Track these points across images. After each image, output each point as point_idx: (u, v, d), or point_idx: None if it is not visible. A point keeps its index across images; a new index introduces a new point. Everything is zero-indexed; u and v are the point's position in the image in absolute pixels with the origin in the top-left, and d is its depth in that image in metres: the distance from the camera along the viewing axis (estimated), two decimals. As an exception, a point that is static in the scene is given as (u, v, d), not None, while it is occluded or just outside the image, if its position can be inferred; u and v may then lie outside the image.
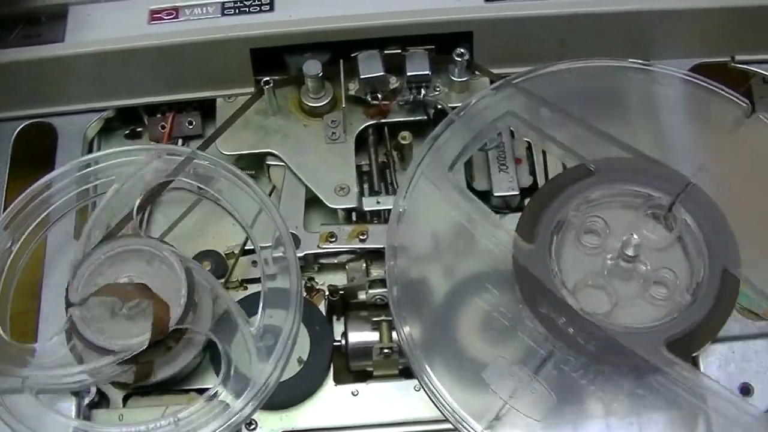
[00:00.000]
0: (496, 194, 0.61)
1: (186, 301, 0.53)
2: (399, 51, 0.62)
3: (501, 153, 0.62)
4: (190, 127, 0.65)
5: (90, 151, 0.65)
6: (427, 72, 0.61)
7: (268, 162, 0.62)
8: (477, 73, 0.63)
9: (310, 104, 0.62)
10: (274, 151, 0.62)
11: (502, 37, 0.62)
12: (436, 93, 0.63)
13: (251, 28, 0.61)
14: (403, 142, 0.62)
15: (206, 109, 0.65)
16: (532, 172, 0.63)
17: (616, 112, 0.62)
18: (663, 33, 0.63)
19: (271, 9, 0.61)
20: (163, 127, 0.65)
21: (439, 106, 0.62)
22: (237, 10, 0.62)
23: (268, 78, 0.61)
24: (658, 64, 0.62)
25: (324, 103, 0.62)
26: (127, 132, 0.67)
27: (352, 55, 0.62)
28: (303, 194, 0.61)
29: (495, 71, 0.63)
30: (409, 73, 0.61)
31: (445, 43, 0.62)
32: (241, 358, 0.53)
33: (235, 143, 0.62)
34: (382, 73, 0.61)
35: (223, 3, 0.62)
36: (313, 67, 0.60)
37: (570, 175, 0.58)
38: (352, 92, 0.62)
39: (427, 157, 0.58)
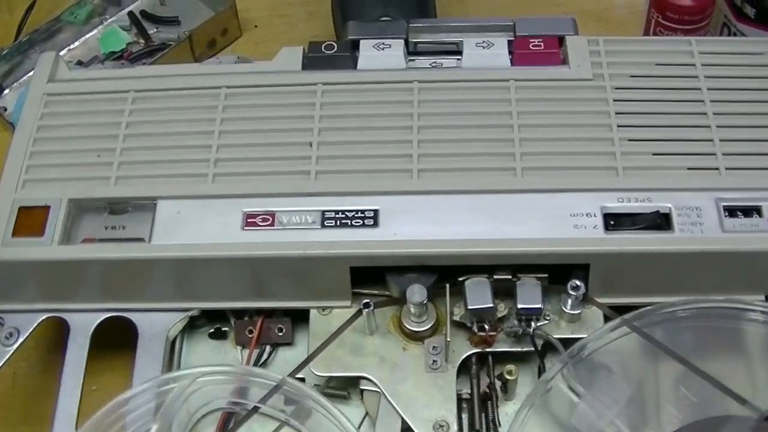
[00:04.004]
0: (604, 434, 0.56)
1: None
2: (509, 277, 0.58)
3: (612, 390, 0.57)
4: (280, 334, 0.61)
5: (172, 349, 0.61)
6: (539, 306, 0.57)
7: (362, 386, 0.58)
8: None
9: (411, 328, 0.58)
10: (369, 376, 0.57)
11: (620, 270, 0.57)
12: (546, 322, 0.58)
13: (353, 246, 0.57)
14: (509, 377, 0.57)
15: (298, 313, 0.61)
16: (643, 412, 0.58)
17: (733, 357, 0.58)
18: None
19: (375, 224, 0.57)
20: (251, 332, 0.61)
21: (550, 340, 0.57)
22: (338, 223, 0.57)
23: (368, 300, 0.57)
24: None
25: (426, 327, 0.58)
26: (212, 331, 0.63)
27: (460, 279, 0.57)
28: (398, 426, 0.56)
29: (608, 300, 0.59)
30: (520, 306, 0.57)
31: (559, 272, 0.57)
32: None
33: (328, 363, 0.58)
34: (491, 305, 0.56)
35: (324, 213, 0.58)
36: (418, 294, 0.56)
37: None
38: (456, 317, 0.58)
39: (537, 399, 0.54)
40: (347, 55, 0.64)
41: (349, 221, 0.58)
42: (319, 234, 0.57)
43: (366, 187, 0.58)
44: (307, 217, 0.58)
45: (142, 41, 0.82)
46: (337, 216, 0.58)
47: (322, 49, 0.65)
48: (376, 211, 0.58)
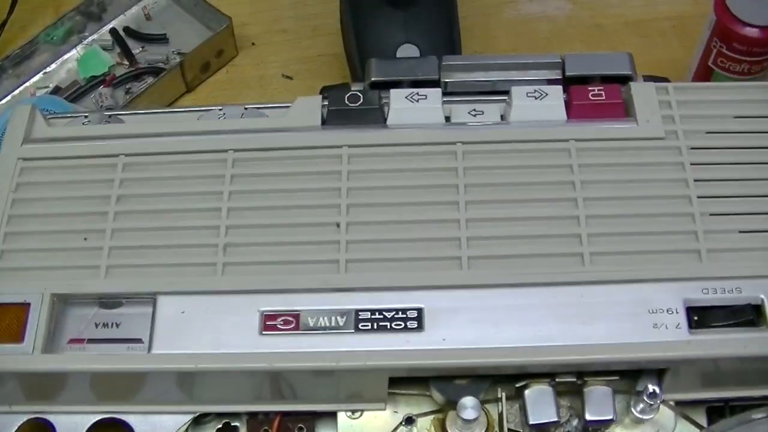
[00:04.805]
0: None
1: None
2: (574, 380, 0.49)
3: None
4: (300, 435, 0.53)
5: (177, 446, 0.52)
6: (611, 417, 0.49)
7: (401, 507, 0.50)
8: (662, 405, 0.51)
9: (457, 438, 0.50)
10: (409, 495, 0.49)
11: (701, 371, 0.49)
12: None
13: (395, 356, 0.48)
14: (575, 491, 0.49)
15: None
16: None
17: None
18: None
19: (420, 327, 0.48)
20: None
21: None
22: (375, 325, 0.48)
23: (411, 416, 0.49)
24: None
25: (476, 439, 0.50)
26: (220, 426, 0.54)
27: (517, 386, 0.49)
28: None
29: (680, 396, 0.51)
30: (589, 418, 0.49)
31: (630, 373, 0.49)
32: None
33: (360, 481, 0.49)
34: (556, 419, 0.48)
35: (357, 313, 0.49)
36: (471, 410, 0.48)
37: None
38: (511, 425, 0.50)
39: None
40: (376, 108, 0.55)
41: (388, 323, 0.49)
42: (352, 340, 0.48)
43: (407, 281, 0.49)
44: (338, 318, 0.49)
45: (126, 62, 0.71)
46: (373, 317, 0.49)
47: (345, 101, 0.55)
48: (419, 311, 0.49)
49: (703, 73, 0.64)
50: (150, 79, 0.69)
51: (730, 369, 0.50)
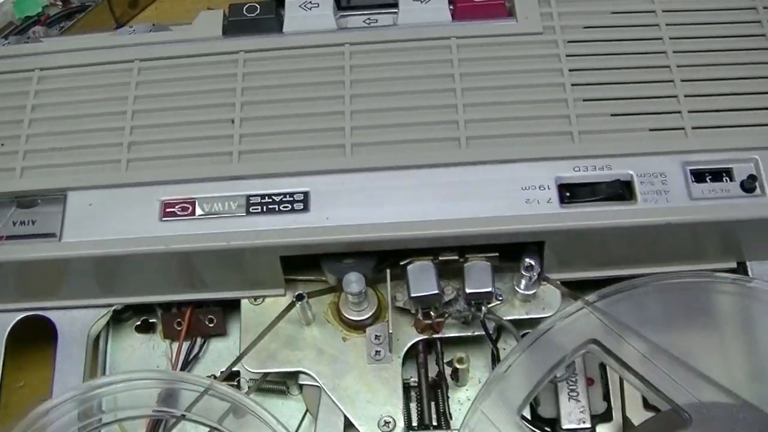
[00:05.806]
0: (564, 427, 0.52)
1: None
2: (456, 258, 0.52)
3: (572, 379, 0.53)
4: (211, 325, 0.56)
5: (96, 346, 0.56)
6: (489, 290, 0.52)
7: (301, 381, 0.53)
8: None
9: (350, 317, 0.53)
10: (307, 371, 0.53)
11: (578, 245, 0.52)
12: (498, 302, 0.53)
13: (281, 234, 0.51)
14: (459, 366, 0.53)
15: (230, 301, 0.56)
16: (606, 396, 0.54)
17: (705, 333, 0.53)
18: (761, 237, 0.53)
19: (305, 209, 0.52)
20: (179, 324, 0.56)
21: (503, 324, 0.53)
22: (264, 208, 0.52)
23: (301, 292, 0.52)
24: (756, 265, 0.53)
25: (367, 316, 0.53)
26: (139, 323, 0.58)
27: (401, 263, 0.52)
28: (341, 423, 0.52)
29: (566, 276, 0.54)
30: (468, 291, 0.52)
31: (511, 248, 0.52)
32: None
33: (262, 359, 0.53)
34: (436, 292, 0.51)
35: (248, 197, 0.52)
36: (355, 284, 0.51)
37: (658, 425, 0.49)
38: (399, 303, 0.53)
39: (490, 395, 0.49)
40: (271, 18, 0.58)
41: (276, 206, 0.52)
42: (244, 222, 0.52)
43: (294, 167, 0.53)
44: (231, 203, 0.52)
45: (59, 2, 0.75)
46: (263, 201, 0.52)
47: (244, 12, 0.58)
48: (306, 194, 0.52)
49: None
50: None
51: (612, 245, 0.53)
